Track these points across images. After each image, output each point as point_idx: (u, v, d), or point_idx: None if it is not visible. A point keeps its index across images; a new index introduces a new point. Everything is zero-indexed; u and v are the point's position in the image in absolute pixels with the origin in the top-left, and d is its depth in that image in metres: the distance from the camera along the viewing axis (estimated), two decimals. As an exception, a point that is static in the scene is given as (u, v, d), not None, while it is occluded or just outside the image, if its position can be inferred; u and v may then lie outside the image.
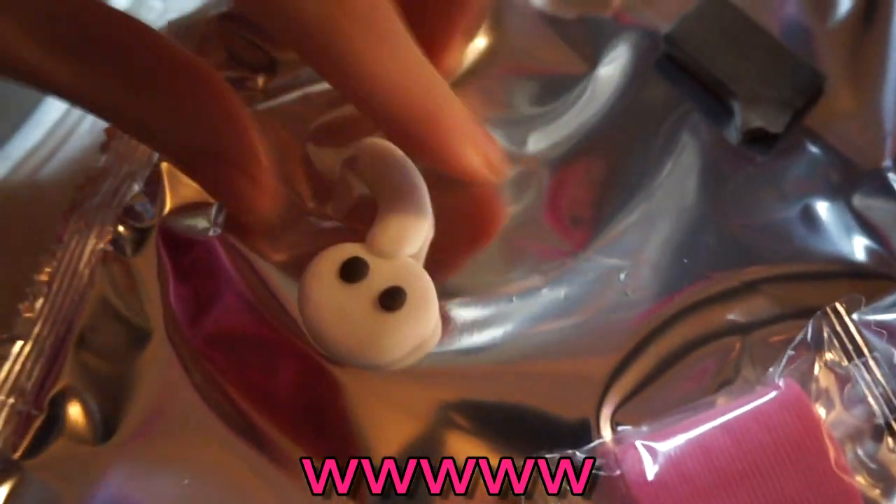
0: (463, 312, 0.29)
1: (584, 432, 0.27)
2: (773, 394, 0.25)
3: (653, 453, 0.25)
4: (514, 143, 0.31)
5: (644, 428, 0.27)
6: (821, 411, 0.25)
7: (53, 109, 0.34)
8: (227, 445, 0.27)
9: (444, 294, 0.28)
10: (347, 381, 0.28)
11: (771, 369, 0.26)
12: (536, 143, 0.31)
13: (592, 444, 0.26)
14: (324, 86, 0.32)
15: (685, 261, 0.29)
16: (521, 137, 0.31)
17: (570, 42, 0.32)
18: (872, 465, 0.25)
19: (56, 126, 0.33)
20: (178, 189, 0.30)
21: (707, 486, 0.24)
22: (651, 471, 0.25)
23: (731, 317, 0.29)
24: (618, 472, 0.25)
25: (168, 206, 0.30)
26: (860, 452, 0.25)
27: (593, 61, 0.32)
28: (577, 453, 0.26)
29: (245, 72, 0.32)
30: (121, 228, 0.30)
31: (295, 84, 0.32)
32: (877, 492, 0.25)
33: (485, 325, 0.29)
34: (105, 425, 0.28)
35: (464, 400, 0.28)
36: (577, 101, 0.32)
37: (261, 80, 0.32)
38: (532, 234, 0.30)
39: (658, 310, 0.29)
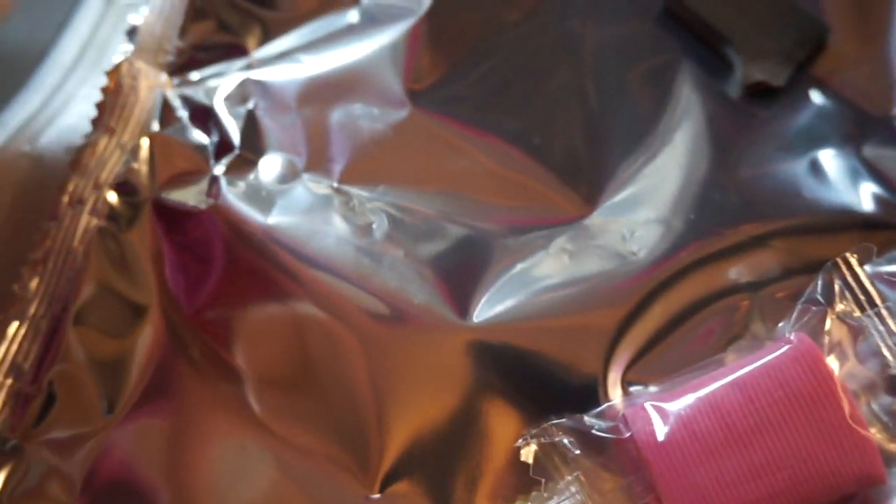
0: (465, 279, 0.28)
1: (592, 391, 0.27)
2: (784, 348, 0.24)
3: (662, 414, 0.25)
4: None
5: (653, 388, 0.26)
6: (834, 364, 0.24)
7: (51, 74, 0.33)
8: (228, 416, 0.27)
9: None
10: (353, 342, 0.27)
11: (781, 324, 0.26)
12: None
13: (601, 407, 0.26)
14: (314, 49, 0.31)
15: (691, 217, 0.29)
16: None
17: (568, -1, 0.32)
18: (888, 418, 0.24)
19: (54, 91, 0.32)
20: (171, 160, 0.30)
21: (719, 445, 0.24)
22: (661, 431, 0.24)
23: (739, 273, 0.28)
24: (628, 434, 0.25)
25: (161, 179, 0.30)
26: (875, 405, 0.24)
27: (595, 18, 0.31)
28: (587, 417, 0.26)
29: (235, 38, 0.31)
30: (114, 203, 0.29)
31: (286, 49, 0.31)
32: (894, 445, 0.24)
33: (489, 290, 0.28)
34: (104, 403, 0.27)
35: (477, 353, 0.27)
36: (575, 59, 0.31)
37: (251, 45, 0.31)
38: (533, 198, 0.29)
39: (664, 267, 0.28)
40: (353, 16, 0.32)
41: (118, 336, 0.28)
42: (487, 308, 0.28)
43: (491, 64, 0.31)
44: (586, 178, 0.30)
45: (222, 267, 0.29)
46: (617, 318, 0.28)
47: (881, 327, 0.25)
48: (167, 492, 0.27)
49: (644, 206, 0.29)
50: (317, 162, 0.30)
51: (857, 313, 0.25)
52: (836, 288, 0.25)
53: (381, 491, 0.27)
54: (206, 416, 0.27)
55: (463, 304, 0.28)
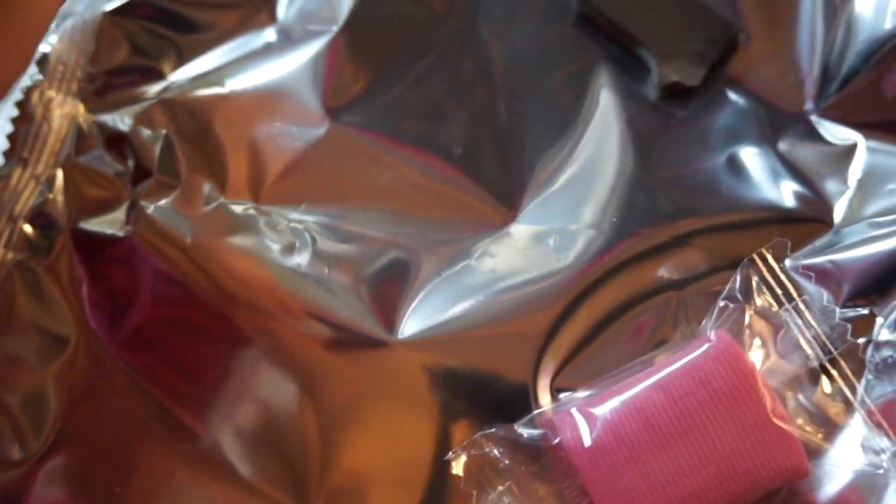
0: (391, 293, 0.28)
1: (524, 399, 0.27)
2: (705, 346, 0.25)
3: (589, 419, 0.25)
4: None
5: (580, 393, 0.26)
6: (756, 360, 0.25)
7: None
8: (156, 445, 0.26)
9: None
10: (281, 364, 0.27)
11: (703, 322, 0.26)
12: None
13: (530, 415, 0.26)
14: (231, 70, 0.31)
15: (614, 220, 0.29)
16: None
17: (483, 4, 0.32)
18: (813, 410, 0.25)
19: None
20: (88, 189, 0.29)
21: (646, 447, 0.24)
22: (588, 437, 0.24)
23: (664, 273, 0.28)
24: (556, 441, 0.25)
25: (78, 208, 0.29)
26: (800, 398, 0.25)
27: (510, 25, 0.31)
28: (516, 426, 0.26)
29: (150, 62, 0.31)
30: (30, 235, 0.29)
31: (202, 71, 0.31)
32: (819, 436, 0.24)
33: (414, 303, 0.28)
34: (25, 440, 0.27)
35: (405, 368, 0.27)
36: (493, 68, 0.31)
37: (167, 68, 0.31)
38: (455, 209, 0.29)
39: (590, 271, 0.28)
40: (269, 34, 0.32)
41: (37, 371, 0.27)
42: (414, 321, 0.28)
43: (410, 77, 0.31)
44: (509, 186, 0.30)
45: (146, 295, 0.28)
46: (545, 323, 0.28)
47: (799, 321, 0.25)
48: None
49: (567, 212, 0.29)
50: (237, 183, 0.29)
51: (776, 308, 0.25)
52: (754, 284, 0.25)
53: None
54: (132, 445, 0.27)
55: (389, 319, 0.28)
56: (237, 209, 0.29)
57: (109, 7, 0.31)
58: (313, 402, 0.27)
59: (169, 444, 0.27)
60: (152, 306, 0.28)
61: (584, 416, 0.24)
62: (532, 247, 0.29)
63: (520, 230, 0.29)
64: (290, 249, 0.29)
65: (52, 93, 0.30)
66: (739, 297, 0.25)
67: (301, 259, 0.29)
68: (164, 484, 0.27)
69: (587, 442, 0.24)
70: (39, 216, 0.29)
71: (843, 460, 0.24)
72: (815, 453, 0.24)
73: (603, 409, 0.24)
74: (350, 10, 0.31)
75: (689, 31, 0.30)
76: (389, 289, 0.28)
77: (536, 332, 0.27)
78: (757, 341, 0.25)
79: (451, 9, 0.31)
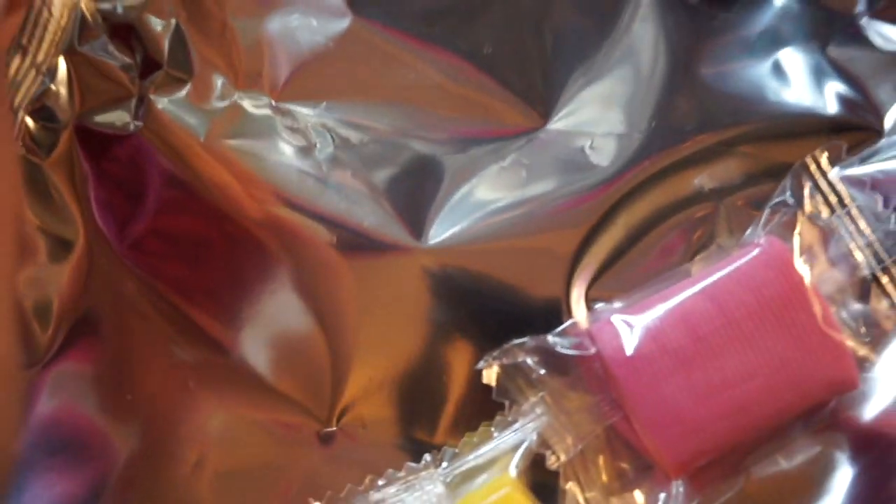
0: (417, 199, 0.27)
1: (555, 311, 0.26)
2: (754, 252, 0.23)
3: (629, 327, 0.23)
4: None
5: (617, 303, 0.25)
6: (806, 268, 0.23)
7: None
8: (168, 353, 0.25)
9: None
10: (300, 270, 0.26)
11: (750, 229, 0.25)
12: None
13: (564, 325, 0.25)
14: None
15: (653, 124, 0.27)
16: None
17: None
18: (861, 320, 0.24)
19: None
20: (93, 81, 0.27)
21: (690, 356, 0.23)
22: (629, 345, 0.23)
23: (702, 181, 0.27)
24: (593, 351, 0.24)
25: (82, 101, 0.27)
26: (848, 308, 0.24)
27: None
28: (550, 336, 0.24)
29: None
30: (32, 128, 0.27)
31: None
32: (866, 347, 0.24)
33: (442, 210, 0.27)
34: (34, 344, 0.26)
35: (433, 277, 0.26)
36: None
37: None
38: (485, 112, 0.28)
39: (627, 178, 0.27)
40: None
41: (44, 273, 0.26)
42: (442, 229, 0.27)
43: (437, -30, 0.29)
44: (541, 89, 0.28)
45: (155, 195, 0.27)
46: (579, 233, 0.26)
47: (851, 227, 0.24)
48: (108, 432, 0.25)
49: (603, 116, 0.27)
50: (253, 78, 0.28)
51: (827, 214, 0.24)
52: (806, 189, 0.24)
53: (338, 423, 0.25)
54: (143, 352, 0.25)
55: (416, 226, 0.27)
56: (252, 106, 0.27)
57: None
58: (332, 313, 0.26)
59: (181, 349, 0.25)
60: (163, 209, 0.27)
61: (624, 324, 0.23)
62: (566, 152, 0.27)
63: (553, 135, 0.27)
64: (309, 150, 0.27)
65: (52, -23, 0.28)
66: (790, 202, 0.24)
67: (321, 161, 0.27)
68: (176, 391, 0.26)
69: (628, 351, 0.23)
70: (41, 109, 0.27)
71: (890, 373, 0.23)
72: (862, 365, 0.23)
73: (644, 318, 0.23)
74: None
75: (737, -74, 0.29)
76: (416, 195, 0.27)
77: (571, 241, 0.26)
78: (807, 249, 0.24)
79: None
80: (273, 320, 0.26)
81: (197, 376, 0.25)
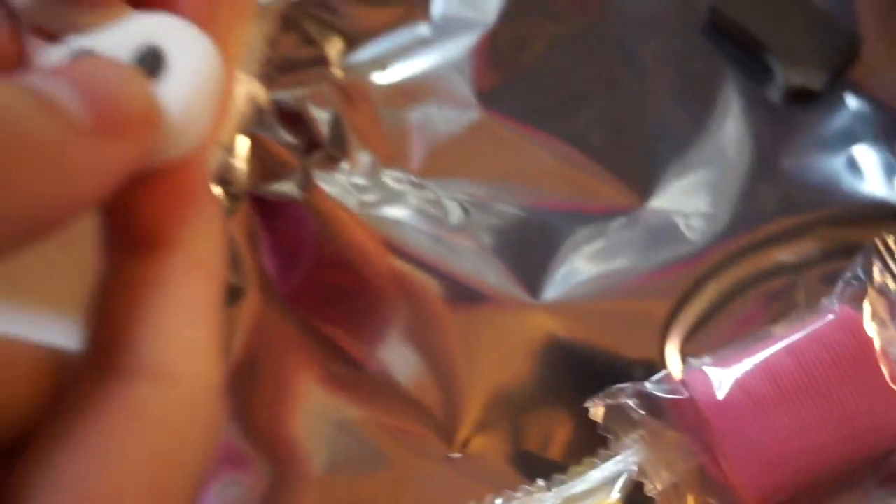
0: (533, 263, 0.31)
1: (650, 365, 0.30)
2: (829, 317, 0.27)
3: (719, 377, 0.27)
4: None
5: (707, 358, 0.29)
6: (874, 333, 0.27)
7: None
8: (322, 379, 0.30)
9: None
10: (435, 320, 0.30)
11: (825, 299, 0.28)
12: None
13: (661, 374, 0.29)
14: (392, 58, 0.34)
15: (740, 207, 0.31)
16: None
17: (622, 14, 0.35)
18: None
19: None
20: (265, 157, 0.33)
21: (772, 403, 0.26)
22: (719, 392, 0.27)
23: (783, 257, 0.31)
24: (687, 396, 0.27)
25: (256, 173, 0.33)
26: (913, 369, 0.27)
27: (647, 31, 0.35)
28: (648, 383, 0.28)
29: (320, 49, 0.35)
30: (217, 194, 0.32)
31: (366, 58, 0.34)
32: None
33: (556, 273, 0.31)
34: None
35: (546, 329, 0.30)
36: (629, 68, 0.34)
37: (335, 55, 0.35)
38: (591, 192, 0.32)
39: (715, 252, 0.31)
40: (424, 29, 0.35)
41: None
42: (553, 290, 0.31)
43: (553, 71, 0.34)
44: (641, 174, 0.33)
45: (311, 250, 0.32)
46: (673, 298, 0.30)
47: (915, 300, 0.28)
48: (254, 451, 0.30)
49: (696, 198, 0.32)
50: (397, 158, 0.33)
51: (894, 288, 0.28)
52: (876, 266, 0.28)
53: (462, 450, 0.29)
54: (300, 379, 0.30)
55: (532, 286, 0.31)
56: (395, 180, 0.33)
57: (288, -1, 0.35)
58: (460, 356, 0.30)
59: (335, 379, 0.30)
60: (320, 263, 0.32)
61: (715, 374, 0.27)
62: (662, 228, 0.32)
63: (651, 213, 0.32)
64: (441, 219, 0.32)
65: (236, 72, 0.34)
66: (861, 276, 0.28)
67: (451, 228, 0.32)
68: (329, 413, 0.30)
69: (719, 397, 0.27)
70: (224, 178, 0.33)
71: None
72: (926, 421, 0.27)
73: (732, 370, 0.27)
74: (498, 12, 0.35)
75: (814, 40, 0.33)
76: (531, 259, 0.31)
77: (665, 305, 0.30)
78: (876, 316, 0.27)
79: (593, 16, 0.35)
80: (412, 360, 0.30)
81: (345, 398, 0.30)
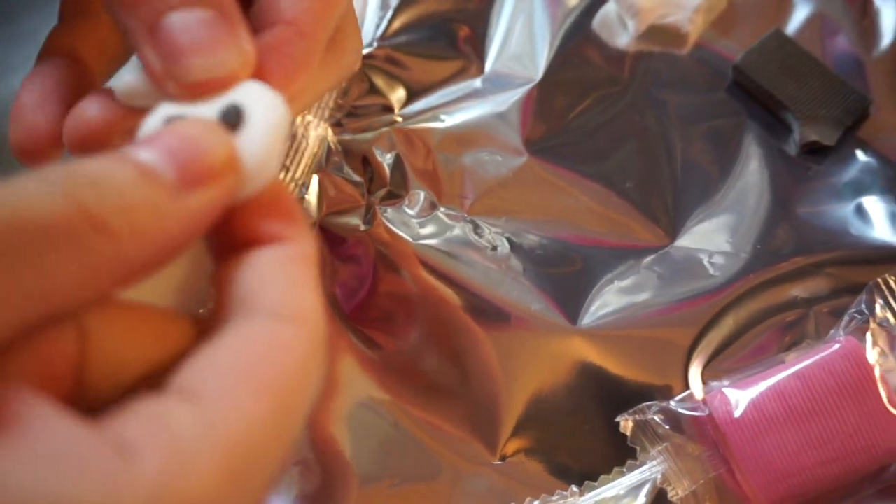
0: (572, 292, 0.35)
1: (674, 387, 0.33)
2: (835, 346, 0.31)
3: (737, 397, 0.31)
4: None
5: (725, 381, 0.32)
6: (875, 361, 0.30)
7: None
8: (380, 388, 0.34)
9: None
10: (484, 340, 0.34)
11: (833, 330, 0.32)
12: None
13: (683, 394, 0.32)
14: (448, 108, 0.38)
15: (758, 247, 0.35)
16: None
17: (654, 72, 0.39)
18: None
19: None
20: (334, 194, 0.37)
21: (782, 421, 0.30)
22: (736, 410, 0.30)
23: (796, 293, 0.34)
24: (707, 413, 0.31)
25: (326, 208, 0.37)
26: (910, 395, 0.30)
27: (676, 88, 0.39)
28: (672, 402, 0.32)
29: (385, 98, 0.39)
30: (291, 224, 0.37)
31: (425, 107, 0.39)
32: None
33: (592, 302, 0.35)
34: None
35: (582, 352, 0.34)
36: (661, 122, 0.38)
37: (398, 104, 0.39)
38: (625, 231, 0.36)
39: (734, 287, 0.35)
40: (478, 83, 0.39)
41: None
42: (590, 317, 0.35)
43: (591, 121, 0.38)
44: (670, 216, 0.36)
45: (373, 276, 0.36)
46: (696, 328, 0.34)
47: (913, 334, 0.31)
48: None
49: (719, 238, 0.36)
50: (452, 197, 0.37)
51: (893, 322, 0.31)
52: (878, 302, 0.31)
53: (503, 459, 0.33)
54: (358, 387, 0.34)
55: (571, 313, 0.35)
56: (449, 217, 0.37)
57: (365, 50, 0.39)
58: (505, 374, 0.34)
59: (392, 389, 0.34)
60: (375, 286, 0.36)
61: (733, 395, 0.31)
62: (688, 264, 0.35)
63: (678, 250, 0.36)
64: (491, 252, 0.36)
65: (310, 117, 0.38)
66: (865, 311, 0.31)
67: (499, 259, 0.36)
68: (383, 423, 0.34)
69: (735, 415, 0.30)
70: (298, 211, 0.37)
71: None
72: (921, 442, 0.30)
73: (747, 391, 0.31)
74: (546, 68, 0.39)
75: (829, 100, 0.37)
76: (571, 289, 0.35)
77: (688, 333, 0.34)
78: (878, 348, 0.31)
79: (628, 74, 0.39)
80: (461, 377, 0.34)
81: (401, 409, 0.34)
